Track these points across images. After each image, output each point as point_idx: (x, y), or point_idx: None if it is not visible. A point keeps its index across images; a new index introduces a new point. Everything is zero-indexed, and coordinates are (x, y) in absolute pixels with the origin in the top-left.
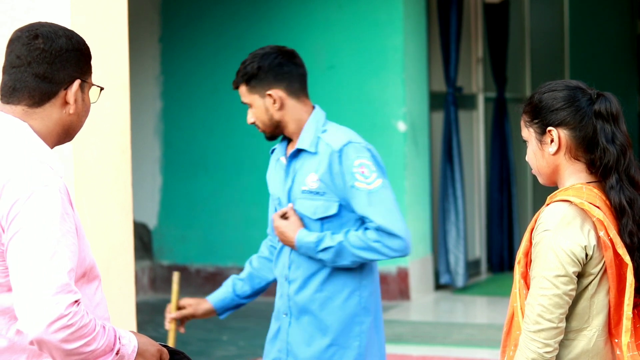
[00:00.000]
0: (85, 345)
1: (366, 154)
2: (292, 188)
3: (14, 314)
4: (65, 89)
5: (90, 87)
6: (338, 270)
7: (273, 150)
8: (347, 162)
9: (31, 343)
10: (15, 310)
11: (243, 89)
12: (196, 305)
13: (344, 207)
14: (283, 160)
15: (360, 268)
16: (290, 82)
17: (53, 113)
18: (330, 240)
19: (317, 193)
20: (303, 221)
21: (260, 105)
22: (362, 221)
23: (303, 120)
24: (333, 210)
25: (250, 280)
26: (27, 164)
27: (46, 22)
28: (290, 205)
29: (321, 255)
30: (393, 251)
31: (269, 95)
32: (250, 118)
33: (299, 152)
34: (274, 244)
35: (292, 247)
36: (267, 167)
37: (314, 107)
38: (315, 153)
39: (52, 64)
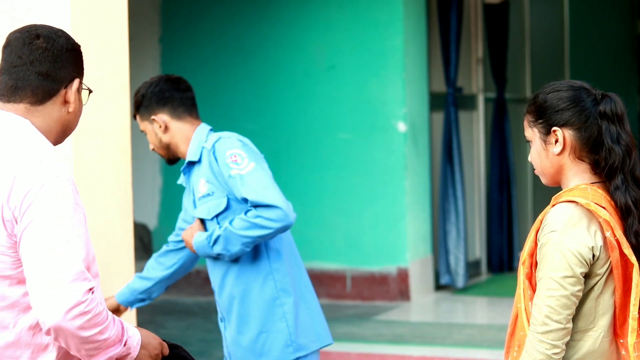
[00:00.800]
0: (100, 334)
1: (236, 144)
2: (194, 200)
3: (23, 306)
4: (66, 87)
5: (81, 87)
6: (246, 262)
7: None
8: (220, 156)
9: (47, 333)
10: (31, 299)
11: (137, 117)
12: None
13: (232, 199)
14: (182, 182)
15: (267, 253)
16: (173, 106)
17: (54, 111)
18: (218, 230)
19: (209, 195)
20: (205, 225)
21: (150, 131)
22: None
23: (190, 139)
24: (223, 205)
25: (143, 279)
26: (35, 156)
27: (41, 24)
28: (195, 223)
29: (215, 249)
30: (274, 222)
31: (154, 119)
32: (150, 145)
33: (189, 166)
34: (175, 242)
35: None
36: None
37: None
38: (199, 161)
39: (54, 62)
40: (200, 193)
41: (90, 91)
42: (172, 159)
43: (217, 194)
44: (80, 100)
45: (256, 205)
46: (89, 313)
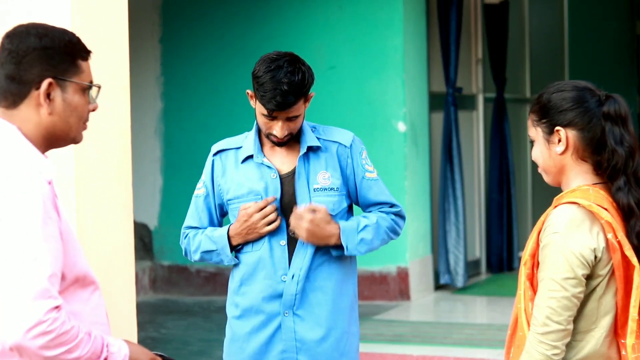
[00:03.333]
0: (67, 353)
1: (364, 145)
2: (309, 185)
3: None
4: (37, 89)
5: (78, 87)
6: (337, 260)
7: (220, 151)
8: (356, 155)
9: (11, 349)
10: None
11: (300, 102)
12: None
13: (347, 199)
14: (266, 160)
15: (351, 257)
16: None
17: (30, 115)
18: (365, 219)
19: (332, 189)
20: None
21: (303, 115)
22: (350, 213)
23: None
24: (345, 204)
25: None
26: (7, 168)
27: (30, 23)
28: (310, 204)
29: (362, 234)
30: (400, 232)
31: (310, 97)
32: (290, 127)
33: (308, 152)
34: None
35: (323, 242)
36: None
37: None
38: (324, 150)
39: (18, 64)
40: (320, 185)
41: (99, 87)
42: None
43: (339, 191)
44: (67, 100)
45: (397, 214)
46: (52, 333)
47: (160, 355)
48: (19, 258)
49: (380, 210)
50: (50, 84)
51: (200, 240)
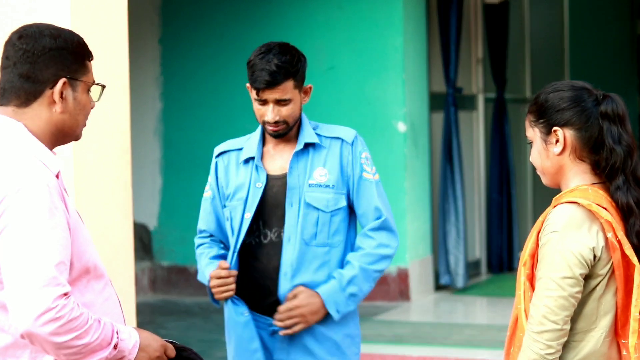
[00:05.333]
0: (77, 339)
1: (367, 148)
2: (305, 182)
3: None
4: (51, 88)
5: (86, 86)
6: (337, 264)
7: (222, 153)
8: (356, 153)
9: (22, 337)
10: (7, 305)
11: (289, 84)
12: None
13: (347, 200)
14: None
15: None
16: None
17: (42, 112)
18: (348, 270)
19: (327, 186)
20: (311, 213)
21: (298, 102)
22: (353, 214)
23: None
24: (343, 202)
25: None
26: (15, 161)
27: (39, 23)
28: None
29: (350, 289)
30: (394, 251)
31: (308, 89)
32: (282, 113)
33: (305, 147)
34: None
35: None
36: None
37: None
38: (323, 147)
39: (34, 63)
40: (316, 181)
41: (103, 87)
42: (287, 133)
43: (336, 189)
44: (77, 99)
45: (383, 226)
46: (61, 319)
47: (171, 342)
48: (26, 247)
49: (365, 232)
50: (64, 83)
51: (200, 265)
